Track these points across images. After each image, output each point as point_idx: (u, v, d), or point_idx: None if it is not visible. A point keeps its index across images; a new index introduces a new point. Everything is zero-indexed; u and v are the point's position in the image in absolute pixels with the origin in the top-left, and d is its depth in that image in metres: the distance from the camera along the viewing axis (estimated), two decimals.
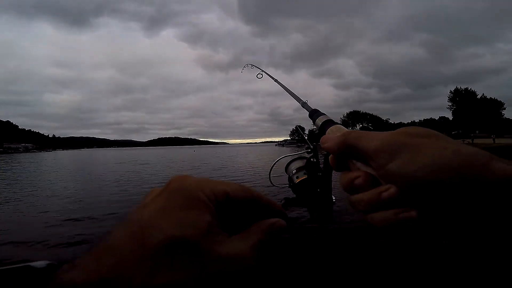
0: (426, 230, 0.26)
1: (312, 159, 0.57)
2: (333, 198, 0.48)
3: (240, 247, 0.23)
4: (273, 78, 1.29)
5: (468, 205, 0.23)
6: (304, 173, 0.55)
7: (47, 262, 0.22)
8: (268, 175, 0.64)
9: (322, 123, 0.49)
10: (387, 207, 0.27)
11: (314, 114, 0.55)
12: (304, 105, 0.71)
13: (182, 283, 0.20)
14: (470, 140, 45.65)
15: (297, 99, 0.77)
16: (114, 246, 0.21)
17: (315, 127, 0.53)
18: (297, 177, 0.56)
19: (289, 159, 0.63)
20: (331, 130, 0.44)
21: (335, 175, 0.36)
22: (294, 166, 0.59)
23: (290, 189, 0.60)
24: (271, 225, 0.27)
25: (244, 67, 1.67)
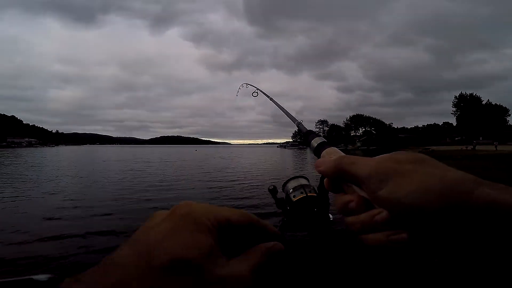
0: (418, 250, 0.28)
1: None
2: (330, 216, 0.47)
3: (239, 269, 0.25)
4: (268, 96, 1.28)
5: (454, 229, 0.25)
6: (301, 192, 0.56)
7: (49, 275, 0.22)
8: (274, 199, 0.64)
9: (317, 144, 0.50)
10: (379, 229, 0.29)
11: (309, 135, 0.55)
12: (299, 125, 0.71)
13: None
14: (472, 147, 45.20)
15: (292, 119, 0.77)
16: (121, 263, 0.23)
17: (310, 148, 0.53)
18: (294, 196, 0.57)
19: (287, 179, 0.63)
20: (326, 152, 0.45)
21: (332, 194, 0.38)
22: (291, 185, 0.60)
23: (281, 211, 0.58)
24: (268, 248, 0.28)
25: (240, 87, 1.67)
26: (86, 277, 0.22)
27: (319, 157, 0.46)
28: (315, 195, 0.55)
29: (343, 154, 0.41)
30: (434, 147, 57.43)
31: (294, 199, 0.56)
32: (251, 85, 1.55)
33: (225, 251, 0.26)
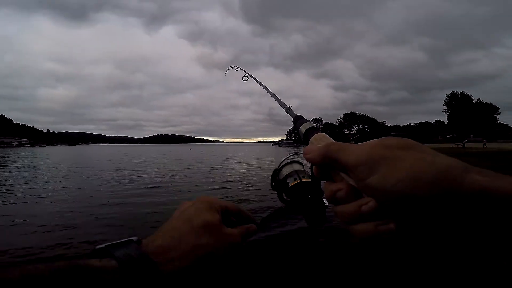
0: (406, 240, 0.28)
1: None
2: (325, 202, 0.50)
3: (233, 232, 0.44)
4: (257, 81, 1.27)
5: (444, 216, 0.25)
6: (295, 178, 0.58)
7: (136, 237, 0.38)
8: (270, 182, 0.68)
9: (306, 130, 0.49)
10: (367, 220, 0.29)
11: (297, 120, 0.54)
12: (288, 110, 0.69)
13: (212, 243, 0.40)
14: (461, 145, 46.03)
15: (281, 103, 0.75)
16: (177, 226, 0.41)
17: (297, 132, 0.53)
18: (289, 182, 0.58)
19: (282, 163, 0.65)
20: (314, 139, 0.44)
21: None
22: (286, 171, 0.62)
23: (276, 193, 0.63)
24: (247, 227, 0.47)
25: (228, 69, 1.60)
26: (158, 236, 0.40)
27: (307, 143, 0.45)
28: (310, 180, 0.56)
29: (332, 140, 0.40)
30: (426, 145, 58.18)
31: (290, 185, 0.57)
32: (241, 68, 1.50)
33: (224, 224, 0.44)
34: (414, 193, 0.25)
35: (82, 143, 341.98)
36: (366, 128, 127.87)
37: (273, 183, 0.64)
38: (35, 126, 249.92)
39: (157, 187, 10.28)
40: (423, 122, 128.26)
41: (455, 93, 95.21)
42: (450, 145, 51.93)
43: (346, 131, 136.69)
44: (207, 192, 8.64)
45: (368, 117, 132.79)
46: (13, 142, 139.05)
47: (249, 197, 8.35)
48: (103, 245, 0.35)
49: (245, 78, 1.44)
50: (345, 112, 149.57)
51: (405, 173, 0.26)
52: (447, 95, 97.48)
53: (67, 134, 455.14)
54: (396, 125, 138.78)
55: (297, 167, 0.63)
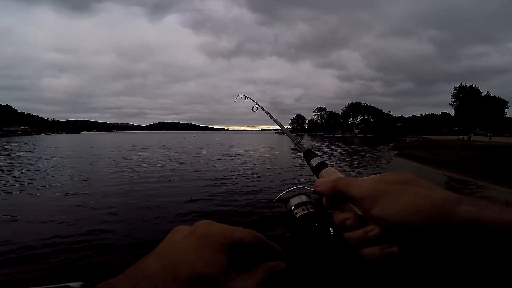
0: (408, 262, 0.31)
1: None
2: (331, 230, 0.52)
3: (247, 285, 0.30)
4: (268, 113, 1.37)
5: (439, 244, 0.28)
6: (303, 209, 0.61)
7: (81, 283, 0.26)
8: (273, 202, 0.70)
9: (316, 164, 0.53)
10: (374, 244, 0.33)
11: (308, 155, 0.59)
12: (298, 144, 0.75)
13: None
14: (467, 137, 45.72)
15: (292, 138, 0.81)
16: (149, 275, 0.28)
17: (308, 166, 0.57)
18: (296, 213, 0.61)
19: (289, 195, 0.67)
20: (325, 172, 0.49)
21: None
22: (293, 202, 0.64)
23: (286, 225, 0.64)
24: (273, 267, 0.34)
25: (238, 97, 1.67)
26: (117, 285, 0.27)
27: (317, 175, 0.50)
28: (314, 211, 0.60)
29: (340, 175, 0.45)
30: (431, 136, 57.78)
31: (297, 216, 0.60)
32: (250, 98, 1.54)
33: (236, 267, 0.31)
34: (410, 223, 0.29)
35: (86, 131, 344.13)
36: (371, 118, 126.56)
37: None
38: (40, 115, 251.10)
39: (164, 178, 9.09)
40: (428, 114, 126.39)
41: (463, 86, 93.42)
42: (456, 137, 51.47)
43: (350, 121, 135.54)
44: (215, 186, 7.49)
45: (373, 107, 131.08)
46: (19, 131, 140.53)
47: (258, 188, 8.35)
48: None
49: (254, 109, 1.49)
50: (349, 102, 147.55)
51: (403, 206, 0.30)
52: (455, 88, 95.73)
53: (71, 122, 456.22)
54: (401, 116, 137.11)
55: (304, 198, 0.65)
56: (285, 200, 0.66)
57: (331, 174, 0.47)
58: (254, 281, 0.31)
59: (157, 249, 0.32)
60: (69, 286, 0.25)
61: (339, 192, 0.37)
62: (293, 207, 0.63)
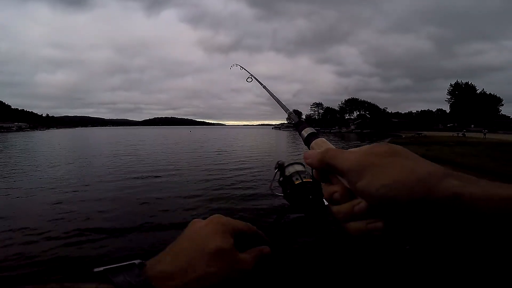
0: (393, 237, 0.31)
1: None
2: (325, 202, 0.51)
3: (245, 257, 0.41)
4: (261, 83, 1.30)
5: (423, 219, 0.28)
6: (296, 179, 0.61)
7: (140, 260, 0.36)
8: (270, 185, 0.71)
9: (307, 135, 0.52)
10: (360, 218, 0.33)
11: (300, 125, 0.58)
12: (290, 114, 0.73)
13: (224, 270, 0.38)
14: (461, 134, 46.10)
15: (284, 108, 0.79)
16: (185, 248, 0.39)
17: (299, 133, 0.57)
18: (296, 179, 0.61)
19: (287, 162, 0.68)
20: (315, 143, 0.48)
21: None
22: (289, 170, 0.64)
23: (283, 197, 0.66)
24: (261, 250, 0.44)
25: (233, 66, 1.60)
26: (164, 259, 0.38)
27: (308, 146, 0.49)
28: (310, 180, 0.59)
29: (330, 146, 0.44)
30: (426, 132, 58.18)
31: (295, 183, 0.60)
32: (245, 69, 1.48)
33: (236, 248, 0.42)
34: (395, 198, 0.29)
35: (82, 126, 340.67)
36: (367, 114, 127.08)
37: (281, 179, 0.67)
38: (34, 111, 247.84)
39: (158, 176, 9.50)
40: (424, 110, 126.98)
41: (459, 83, 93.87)
42: (451, 133, 51.88)
43: (346, 116, 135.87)
44: (215, 182, 7.79)
45: (369, 103, 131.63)
46: (13, 127, 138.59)
47: (255, 184, 8.38)
48: (101, 268, 0.33)
49: (249, 80, 1.40)
50: (346, 98, 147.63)
51: (388, 180, 0.29)
52: (451, 85, 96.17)
53: (67, 118, 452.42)
54: (397, 112, 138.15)
55: (298, 168, 0.66)
56: (282, 167, 0.67)
57: (321, 145, 0.46)
58: (250, 256, 0.42)
59: (185, 233, 0.42)
60: (134, 263, 0.34)
61: (326, 164, 0.37)
62: (291, 174, 0.64)
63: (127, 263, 0.34)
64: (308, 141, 0.51)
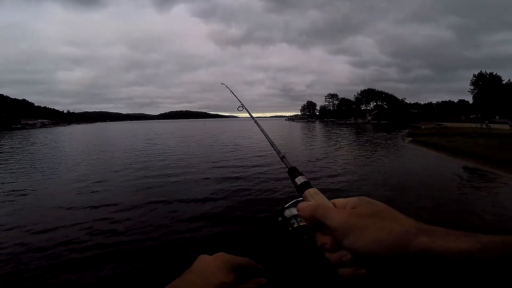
0: (376, 281, 0.38)
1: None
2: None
3: None
4: (253, 118, 1.34)
5: (400, 270, 0.34)
6: (293, 223, 0.64)
7: None
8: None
9: (300, 183, 0.55)
10: (347, 266, 0.39)
11: (293, 172, 0.59)
12: (283, 158, 0.72)
13: None
14: (485, 125, 44.11)
15: (277, 151, 0.78)
16: (194, 281, 0.44)
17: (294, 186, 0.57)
18: (293, 223, 0.64)
19: (285, 206, 0.70)
20: (308, 193, 0.51)
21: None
22: (289, 213, 0.67)
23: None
24: (259, 281, 0.51)
25: (225, 86, 1.65)
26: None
27: (301, 194, 0.53)
28: (305, 224, 0.60)
29: (322, 197, 0.49)
30: (448, 124, 56.06)
31: (294, 226, 0.65)
32: (236, 96, 1.54)
33: (236, 281, 0.48)
34: (375, 254, 0.35)
35: (101, 121, 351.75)
36: (385, 104, 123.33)
37: (280, 219, 0.70)
38: (56, 108, 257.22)
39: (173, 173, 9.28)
40: (445, 101, 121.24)
41: (483, 73, 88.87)
42: (474, 125, 49.77)
43: (363, 107, 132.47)
44: (228, 182, 7.71)
45: (386, 93, 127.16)
46: (37, 124, 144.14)
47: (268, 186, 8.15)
48: None
49: (240, 109, 1.50)
50: (362, 88, 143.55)
51: (368, 240, 0.36)
52: (474, 75, 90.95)
53: (86, 114, 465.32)
54: (417, 102, 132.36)
55: (295, 211, 0.67)
56: (280, 212, 0.70)
57: (313, 197, 0.50)
58: None
59: (193, 267, 0.48)
60: None
61: (317, 220, 0.43)
62: (290, 217, 0.67)
63: None
64: (301, 189, 0.53)
